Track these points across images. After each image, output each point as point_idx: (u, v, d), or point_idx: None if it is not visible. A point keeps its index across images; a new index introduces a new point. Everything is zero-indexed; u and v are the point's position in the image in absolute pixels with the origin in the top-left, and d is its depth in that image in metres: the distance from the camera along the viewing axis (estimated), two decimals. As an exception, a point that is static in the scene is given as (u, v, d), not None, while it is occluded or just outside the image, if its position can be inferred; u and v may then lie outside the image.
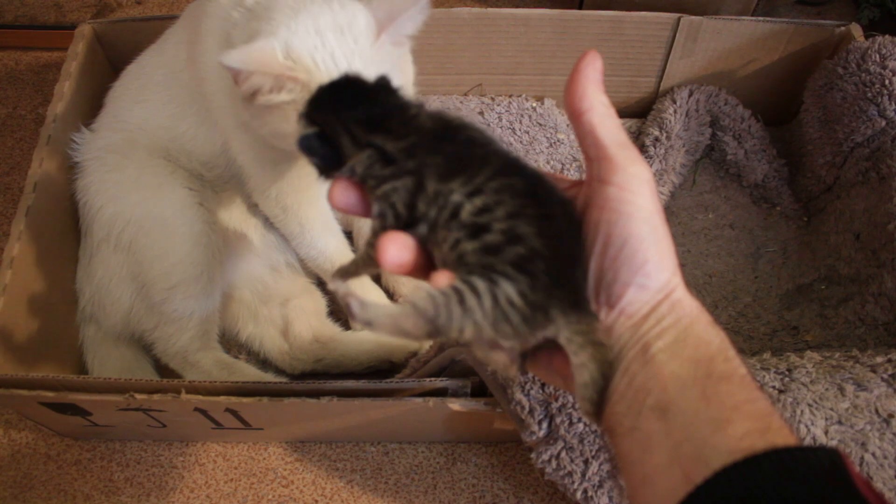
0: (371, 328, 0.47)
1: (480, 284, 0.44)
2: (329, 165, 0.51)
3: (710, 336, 0.48)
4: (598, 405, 0.47)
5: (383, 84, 0.52)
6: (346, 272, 0.54)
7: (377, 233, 0.49)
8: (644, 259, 0.47)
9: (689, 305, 0.48)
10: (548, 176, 0.49)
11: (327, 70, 0.70)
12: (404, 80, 0.75)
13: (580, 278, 0.46)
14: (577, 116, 0.48)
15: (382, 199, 0.49)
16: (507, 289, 0.44)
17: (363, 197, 0.51)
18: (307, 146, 0.52)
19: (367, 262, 0.52)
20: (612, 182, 0.47)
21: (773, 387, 0.78)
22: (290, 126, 0.72)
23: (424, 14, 0.72)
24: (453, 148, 0.48)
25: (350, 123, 0.50)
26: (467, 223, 0.45)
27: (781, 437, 0.43)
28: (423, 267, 0.50)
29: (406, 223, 0.48)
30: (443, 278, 0.47)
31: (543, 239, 0.45)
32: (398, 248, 0.48)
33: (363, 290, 1.00)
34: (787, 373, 0.79)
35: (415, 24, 0.72)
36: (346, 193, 0.51)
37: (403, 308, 0.46)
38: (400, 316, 0.46)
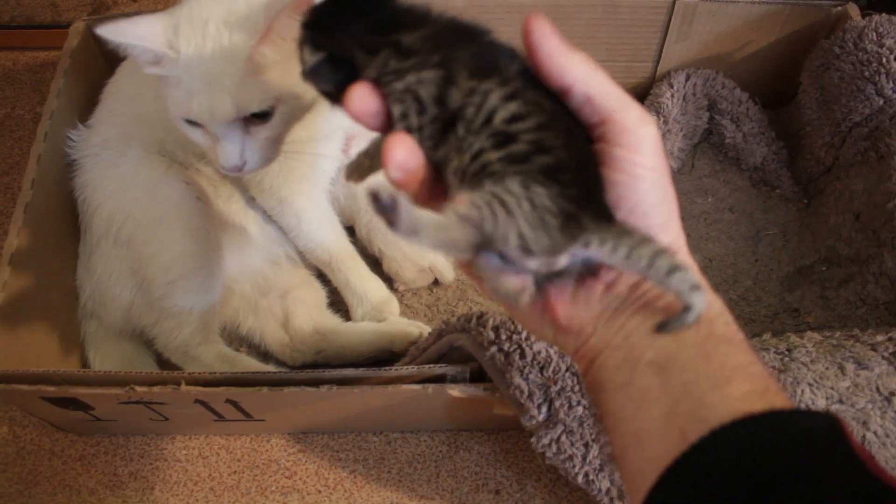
0: (416, 238, 0.43)
1: (515, 187, 0.42)
2: (341, 91, 0.47)
3: (711, 299, 0.48)
4: (693, 285, 0.44)
5: None
6: (358, 167, 0.52)
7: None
8: (651, 223, 0.46)
9: (690, 268, 0.48)
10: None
11: (190, 57, 0.69)
12: (280, 89, 0.72)
13: (604, 196, 0.44)
14: (565, 93, 0.46)
15: (406, 95, 0.45)
16: (541, 193, 0.42)
17: (384, 103, 0.47)
18: (314, 75, 0.48)
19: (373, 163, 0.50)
20: (621, 144, 0.45)
21: (773, 366, 0.78)
22: (174, 103, 0.74)
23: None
24: (478, 48, 0.45)
25: (361, 34, 0.46)
26: (498, 130, 0.43)
27: (780, 400, 0.43)
28: (428, 186, 0.48)
29: (431, 132, 0.45)
30: (465, 201, 0.44)
31: (571, 152, 0.43)
32: (406, 151, 0.46)
33: (360, 277, 1.00)
34: (786, 352, 0.79)
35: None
36: (366, 98, 0.47)
37: (448, 217, 0.43)
38: (447, 224, 0.43)
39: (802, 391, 0.75)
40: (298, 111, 0.75)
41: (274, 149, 0.76)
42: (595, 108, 0.46)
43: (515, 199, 0.41)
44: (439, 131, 0.45)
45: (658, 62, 1.17)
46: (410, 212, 0.43)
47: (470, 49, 0.45)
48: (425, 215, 0.43)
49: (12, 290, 0.88)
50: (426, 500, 0.94)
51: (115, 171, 0.94)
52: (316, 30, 0.48)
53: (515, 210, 0.41)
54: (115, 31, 0.68)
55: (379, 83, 0.45)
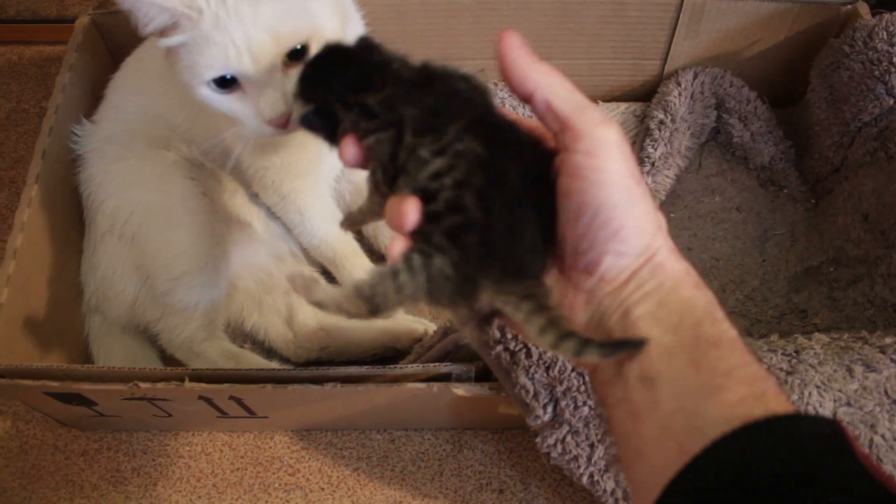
0: (320, 308, 0.50)
1: (417, 261, 0.46)
2: (332, 136, 0.53)
3: (696, 299, 0.47)
4: (577, 352, 0.45)
5: (365, 44, 0.54)
6: (352, 219, 0.59)
7: (373, 188, 0.51)
8: (619, 226, 0.46)
9: (672, 268, 0.47)
10: (529, 130, 0.49)
11: (212, 12, 0.65)
12: (315, 19, 0.70)
13: (526, 245, 0.46)
14: (528, 101, 0.47)
15: (370, 152, 0.50)
16: (440, 262, 0.45)
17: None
18: (307, 123, 0.54)
19: (373, 213, 0.54)
20: (577, 150, 0.45)
21: (781, 368, 0.77)
22: (190, 76, 0.69)
23: None
24: (432, 100, 0.48)
25: (340, 92, 0.51)
26: (422, 187, 0.46)
27: (779, 404, 0.42)
28: None
29: (392, 177, 0.49)
30: (398, 245, 0.48)
31: (484, 209, 0.45)
32: (417, 213, 0.47)
33: (353, 264, 0.99)
34: (794, 354, 0.79)
35: None
36: (351, 150, 0.51)
37: (345, 290, 0.48)
38: (342, 297, 0.49)
39: (810, 393, 0.74)
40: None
41: None
42: (555, 114, 0.46)
43: (411, 274, 0.46)
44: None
45: (666, 60, 1.16)
46: (316, 290, 0.50)
47: (421, 105, 0.48)
48: (328, 292, 0.50)
49: (17, 285, 0.88)
50: (429, 499, 0.93)
51: (119, 167, 0.94)
52: (306, 84, 0.54)
53: (406, 285, 0.46)
54: None
55: (356, 134, 0.51)
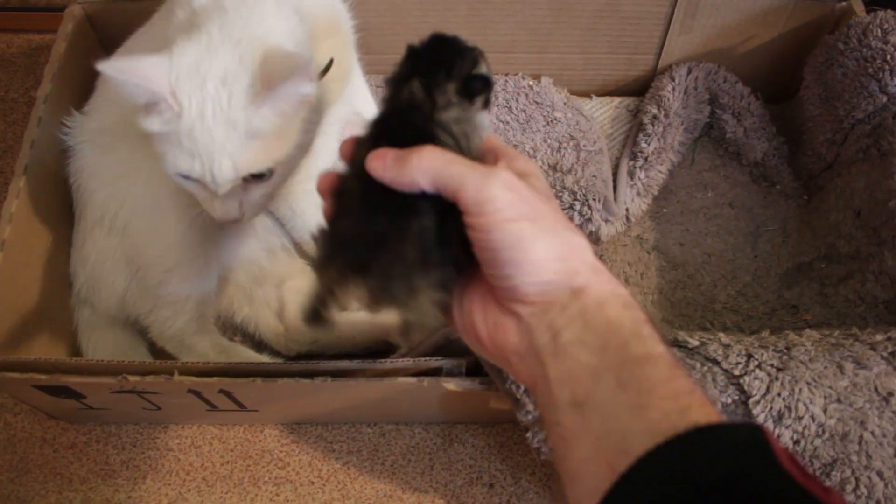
0: None
1: None
2: None
3: (623, 319, 0.48)
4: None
5: None
6: None
7: None
8: (520, 261, 0.48)
9: (597, 290, 0.49)
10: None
11: (190, 119, 0.69)
12: (281, 152, 0.73)
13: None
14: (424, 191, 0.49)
15: None
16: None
17: None
18: None
19: None
20: (468, 212, 0.48)
21: (772, 365, 0.77)
22: (171, 159, 0.73)
23: (307, 86, 0.69)
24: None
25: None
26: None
27: (703, 415, 0.43)
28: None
29: None
30: None
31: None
32: None
33: None
34: (785, 351, 0.79)
35: (297, 95, 0.70)
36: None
37: None
38: None
39: (801, 390, 0.74)
40: (295, 166, 0.77)
41: (271, 198, 0.78)
42: (446, 192, 0.49)
43: None
44: None
45: (660, 55, 1.16)
46: None
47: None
48: None
49: (5, 277, 0.87)
50: (420, 493, 0.93)
51: (110, 158, 0.93)
52: None
53: None
54: (118, 69, 0.67)
55: None
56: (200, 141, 0.69)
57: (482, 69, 0.54)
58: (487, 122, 0.55)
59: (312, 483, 0.95)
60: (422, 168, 0.48)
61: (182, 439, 0.98)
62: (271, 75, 0.68)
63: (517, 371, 0.52)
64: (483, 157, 0.54)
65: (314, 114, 0.76)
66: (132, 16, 1.01)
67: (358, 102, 0.99)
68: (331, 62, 0.81)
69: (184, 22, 0.75)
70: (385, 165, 0.49)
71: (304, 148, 0.75)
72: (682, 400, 0.44)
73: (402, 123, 0.52)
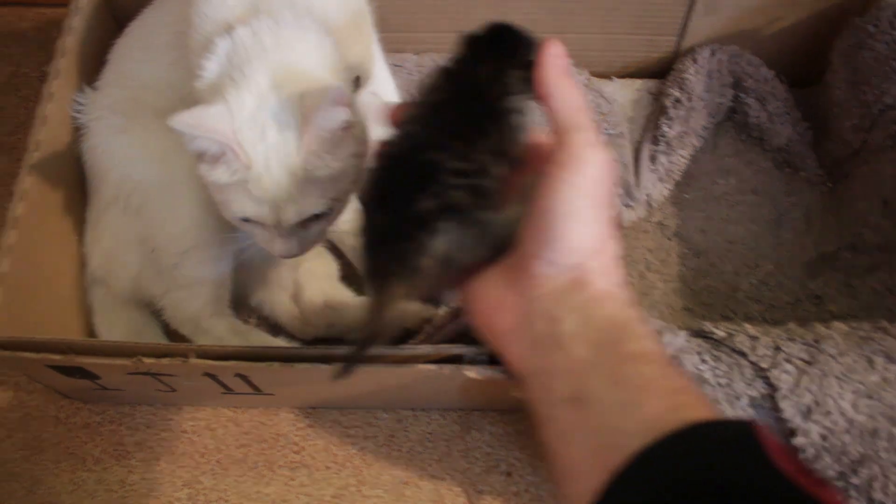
0: None
1: None
2: None
3: (620, 316, 0.49)
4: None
5: None
6: None
7: None
8: (557, 236, 0.49)
9: (600, 286, 0.49)
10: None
11: (258, 169, 0.70)
12: (339, 190, 0.75)
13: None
14: (542, 101, 0.52)
15: None
16: None
17: None
18: None
19: None
20: (555, 160, 0.49)
21: (801, 358, 0.76)
22: (221, 204, 0.75)
23: (340, 112, 0.69)
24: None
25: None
26: None
27: (696, 412, 0.44)
28: None
29: None
30: None
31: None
32: None
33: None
34: (814, 344, 0.77)
35: (335, 124, 0.70)
36: None
37: None
38: None
39: (830, 384, 0.73)
40: (351, 198, 0.78)
41: (328, 230, 0.80)
42: (555, 125, 0.50)
43: None
44: None
45: (682, 36, 1.13)
46: None
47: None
48: None
49: (18, 255, 0.86)
50: (437, 480, 0.92)
51: (124, 137, 0.92)
52: None
53: None
54: (189, 125, 0.68)
55: None
56: (270, 190, 0.70)
57: None
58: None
59: (328, 468, 0.94)
60: (561, 94, 0.51)
61: (196, 421, 0.97)
62: (308, 111, 0.69)
63: (511, 355, 0.52)
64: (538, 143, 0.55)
65: (363, 145, 0.76)
66: (145, -11, 1.00)
67: (377, 84, 0.98)
68: (358, 79, 0.82)
69: (223, 58, 0.75)
70: (550, 64, 0.51)
71: (358, 181, 0.76)
72: (676, 397, 0.45)
73: (464, 107, 0.52)
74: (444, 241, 0.50)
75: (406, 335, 0.95)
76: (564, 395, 0.47)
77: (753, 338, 0.78)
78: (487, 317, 0.53)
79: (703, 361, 0.78)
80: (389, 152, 0.53)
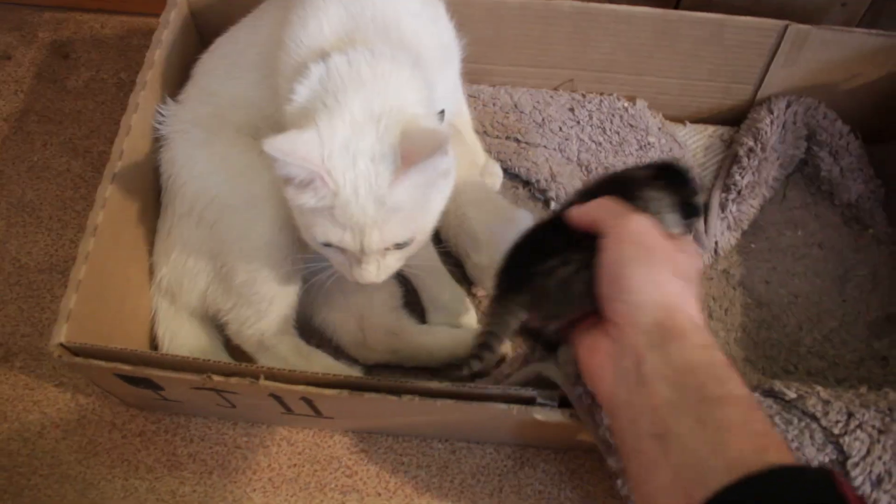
0: None
1: None
2: None
3: (702, 359, 0.53)
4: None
5: None
6: None
7: None
8: (623, 277, 0.58)
9: (682, 327, 0.55)
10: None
11: (345, 196, 0.71)
12: (423, 223, 0.79)
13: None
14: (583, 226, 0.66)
15: None
16: None
17: None
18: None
19: None
20: (605, 234, 0.62)
21: (874, 426, 0.74)
22: (304, 228, 0.78)
23: (447, 161, 0.74)
24: None
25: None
26: None
27: (778, 456, 0.47)
28: None
29: None
30: None
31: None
32: None
33: (439, 282, 1.00)
34: (887, 412, 0.76)
35: (436, 171, 0.74)
36: None
37: None
38: None
39: (905, 455, 0.72)
40: (433, 231, 0.81)
41: (403, 262, 0.81)
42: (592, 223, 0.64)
43: None
44: None
45: (759, 86, 1.13)
46: None
47: None
48: None
49: (95, 262, 0.87)
50: (488, 515, 0.92)
51: (204, 151, 0.93)
52: None
53: None
54: (281, 151, 0.69)
55: None
56: (355, 216, 0.72)
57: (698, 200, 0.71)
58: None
59: (379, 494, 0.94)
60: (590, 211, 0.64)
61: (251, 438, 0.98)
62: (411, 153, 0.70)
63: (601, 391, 0.59)
64: None
65: (451, 182, 0.78)
66: (233, 5, 1.01)
67: (456, 116, 0.98)
68: (443, 112, 0.83)
69: (316, 83, 0.76)
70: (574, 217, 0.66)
71: (441, 214, 0.79)
72: (759, 441, 0.48)
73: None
74: (563, 272, 0.64)
75: (462, 364, 0.95)
76: (649, 431, 0.51)
77: (826, 402, 0.77)
78: (586, 358, 0.60)
79: (774, 424, 0.77)
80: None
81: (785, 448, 0.48)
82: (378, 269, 0.77)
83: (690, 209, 0.70)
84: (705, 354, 0.54)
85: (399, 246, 0.77)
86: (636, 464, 0.52)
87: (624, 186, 0.68)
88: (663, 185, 0.69)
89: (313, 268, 0.87)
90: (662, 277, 0.58)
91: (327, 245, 0.77)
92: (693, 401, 0.51)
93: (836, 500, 0.43)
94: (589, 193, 0.69)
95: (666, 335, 0.55)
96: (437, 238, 1.03)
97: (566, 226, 0.67)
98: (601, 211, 0.64)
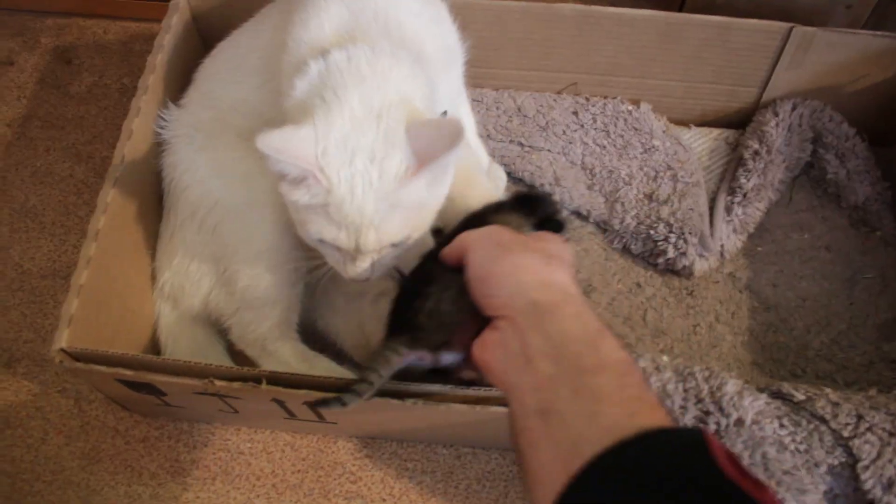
0: None
1: None
2: None
3: (575, 329, 0.55)
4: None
5: None
6: None
7: None
8: (484, 276, 0.62)
9: (548, 300, 0.57)
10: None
11: (340, 194, 0.70)
12: (422, 221, 0.77)
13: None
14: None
15: None
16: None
17: None
18: None
19: None
20: (460, 246, 0.67)
21: (884, 428, 0.74)
22: (299, 223, 0.77)
23: (462, 150, 0.71)
24: None
25: None
26: None
27: (651, 419, 0.48)
28: None
29: None
30: None
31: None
32: None
33: None
34: (898, 414, 0.75)
35: (451, 159, 0.72)
36: None
37: None
38: None
39: (918, 458, 0.71)
40: (426, 232, 0.79)
41: (398, 260, 0.80)
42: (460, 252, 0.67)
43: None
44: None
45: (764, 89, 1.13)
46: None
47: None
48: None
49: (97, 267, 0.87)
50: (494, 522, 0.91)
51: (206, 155, 0.92)
52: None
53: None
54: (274, 148, 0.68)
55: None
56: (350, 215, 0.71)
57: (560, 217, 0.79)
58: None
59: (384, 500, 0.93)
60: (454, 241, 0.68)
61: (254, 443, 0.97)
62: (426, 149, 0.69)
63: (493, 376, 0.60)
64: None
65: (450, 174, 0.77)
66: (235, 10, 1.01)
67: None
68: (445, 114, 0.82)
69: (315, 78, 0.75)
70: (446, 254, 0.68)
71: (437, 213, 0.78)
72: (632, 405, 0.49)
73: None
74: (433, 300, 0.67)
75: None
76: (534, 408, 0.52)
77: (835, 404, 0.77)
78: (480, 355, 0.61)
79: (783, 426, 0.76)
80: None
81: (659, 410, 0.49)
82: (372, 267, 0.76)
83: (555, 225, 0.74)
84: (578, 323, 0.55)
85: (395, 245, 0.76)
86: (523, 442, 0.53)
87: (482, 218, 0.73)
88: (518, 209, 0.74)
89: (310, 264, 0.86)
90: (526, 261, 0.61)
91: (321, 241, 0.76)
92: (571, 373, 0.52)
93: (707, 460, 0.43)
94: (454, 234, 0.70)
95: (541, 310, 0.57)
96: (437, 232, 1.03)
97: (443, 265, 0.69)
98: (462, 239, 0.66)
